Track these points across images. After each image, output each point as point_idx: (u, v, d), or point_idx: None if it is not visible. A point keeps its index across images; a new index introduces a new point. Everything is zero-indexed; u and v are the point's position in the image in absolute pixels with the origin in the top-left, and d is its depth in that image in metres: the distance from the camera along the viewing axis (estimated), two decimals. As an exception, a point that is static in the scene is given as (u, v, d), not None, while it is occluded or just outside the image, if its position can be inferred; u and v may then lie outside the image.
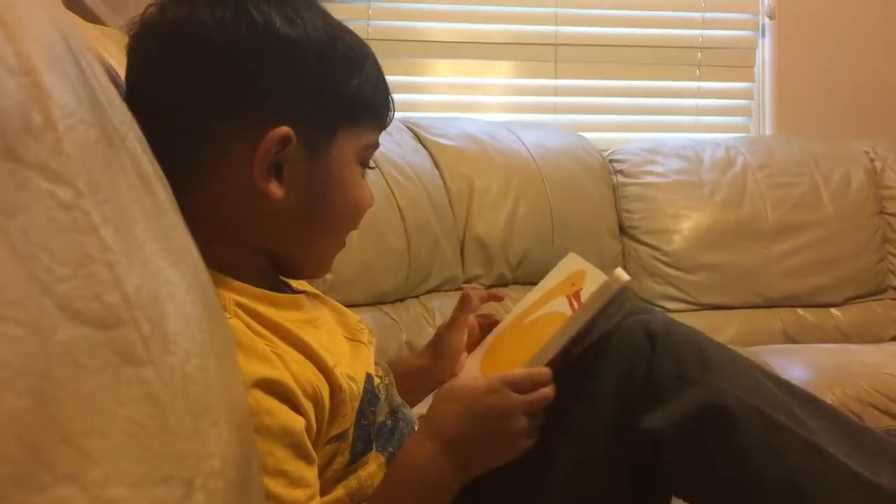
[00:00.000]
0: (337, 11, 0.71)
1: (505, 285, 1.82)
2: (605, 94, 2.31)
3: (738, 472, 0.67)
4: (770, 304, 1.96)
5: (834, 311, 1.98)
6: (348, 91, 0.68)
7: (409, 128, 1.88)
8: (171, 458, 0.34)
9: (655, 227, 1.97)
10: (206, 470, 0.36)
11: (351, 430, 0.69)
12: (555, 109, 2.28)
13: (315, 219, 0.70)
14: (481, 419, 0.69)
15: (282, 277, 0.76)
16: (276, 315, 0.66)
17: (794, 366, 1.50)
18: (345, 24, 0.72)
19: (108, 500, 0.29)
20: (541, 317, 0.82)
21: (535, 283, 0.88)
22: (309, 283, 0.82)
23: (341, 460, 0.69)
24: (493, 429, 0.69)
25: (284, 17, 0.65)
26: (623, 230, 2.00)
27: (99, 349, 0.31)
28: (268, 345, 0.63)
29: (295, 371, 0.63)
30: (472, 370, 0.84)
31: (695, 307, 1.94)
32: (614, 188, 2.03)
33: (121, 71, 0.68)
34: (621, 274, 0.72)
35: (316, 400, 0.64)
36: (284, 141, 0.65)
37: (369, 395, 0.72)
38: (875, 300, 2.02)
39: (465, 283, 1.78)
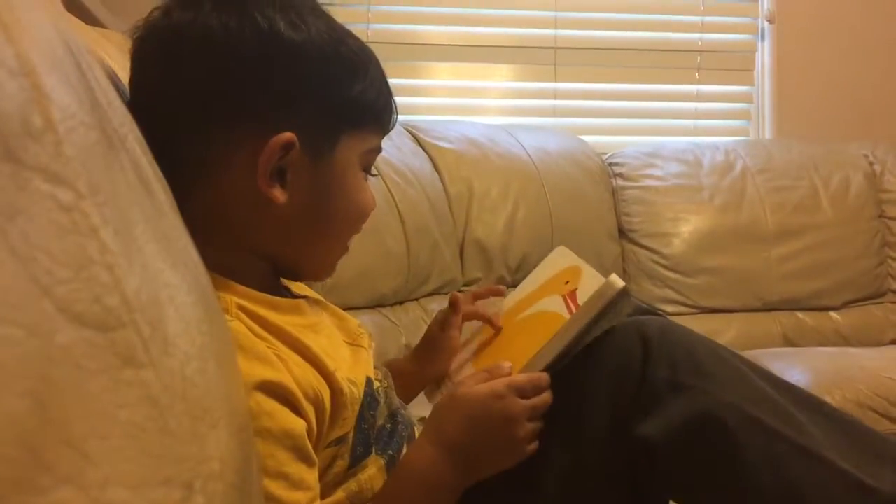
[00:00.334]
0: (337, 15, 0.71)
1: (504, 288, 1.82)
2: (605, 97, 2.31)
3: (736, 482, 0.66)
4: (769, 308, 1.96)
5: (833, 314, 1.98)
6: (352, 96, 0.68)
7: (408, 131, 1.88)
8: (171, 460, 0.34)
9: (655, 231, 1.97)
10: (206, 473, 0.36)
11: (351, 434, 0.69)
12: (554, 113, 2.28)
13: (318, 223, 0.70)
14: (486, 426, 0.69)
15: (284, 282, 0.76)
16: (277, 319, 0.66)
17: (794, 369, 1.50)
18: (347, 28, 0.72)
19: (108, 502, 0.29)
20: (535, 314, 0.82)
21: (534, 286, 0.88)
22: (309, 286, 0.82)
23: (341, 464, 0.69)
24: (498, 435, 0.69)
25: (289, 23, 0.65)
26: (622, 233, 2.00)
27: (99, 351, 0.31)
28: (269, 347, 0.63)
29: (296, 374, 0.63)
30: (465, 368, 0.84)
31: (694, 311, 1.94)
32: (614, 191, 2.03)
33: (121, 73, 0.68)
34: (616, 280, 0.72)
35: (317, 403, 0.64)
36: (288, 146, 0.64)
37: (369, 398, 0.72)
38: (874, 304, 2.02)
39: (464, 286, 1.78)
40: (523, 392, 0.69)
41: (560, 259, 0.87)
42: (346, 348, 0.75)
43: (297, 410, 0.62)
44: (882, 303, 2.03)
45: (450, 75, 2.26)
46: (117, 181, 0.37)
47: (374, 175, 0.75)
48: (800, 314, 1.97)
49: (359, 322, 0.82)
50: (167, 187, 0.47)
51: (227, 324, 0.56)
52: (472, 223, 1.81)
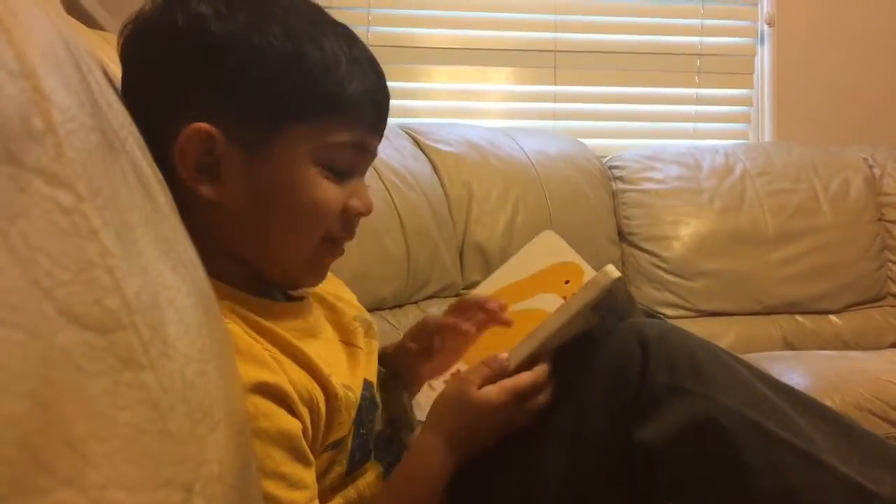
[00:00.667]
0: (337, 18, 0.70)
1: (504, 291, 1.82)
2: (605, 100, 2.31)
3: (736, 486, 0.66)
4: (769, 311, 1.96)
5: (833, 317, 1.98)
6: (295, 87, 0.64)
7: (408, 134, 1.87)
8: (171, 462, 0.34)
9: (654, 234, 1.97)
10: (205, 474, 0.36)
11: (349, 439, 0.69)
12: (554, 116, 2.28)
13: (266, 221, 0.67)
14: (487, 428, 0.72)
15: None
16: (270, 323, 0.65)
17: (793, 373, 1.50)
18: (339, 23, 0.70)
19: (108, 503, 0.29)
20: (532, 312, 0.81)
21: (534, 289, 0.87)
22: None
23: (339, 469, 0.69)
24: (498, 431, 0.73)
25: (216, 13, 0.63)
26: (622, 237, 2.00)
27: (99, 353, 0.31)
28: (265, 350, 0.63)
29: (292, 376, 0.63)
30: (455, 362, 0.84)
31: (694, 314, 1.94)
32: (613, 195, 2.03)
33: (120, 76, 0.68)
34: (611, 270, 0.72)
35: (311, 405, 0.64)
36: (207, 139, 0.62)
37: (367, 402, 0.72)
38: (874, 307, 2.02)
39: (464, 289, 1.78)
40: (525, 395, 0.71)
41: (549, 245, 0.84)
42: (342, 351, 0.74)
43: (292, 411, 0.62)
44: (882, 306, 2.02)
45: (450, 78, 2.26)
46: (117, 183, 0.37)
47: (342, 170, 0.68)
48: (800, 317, 1.97)
49: (354, 314, 0.79)
50: (167, 189, 0.47)
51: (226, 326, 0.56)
52: (471, 226, 1.81)
